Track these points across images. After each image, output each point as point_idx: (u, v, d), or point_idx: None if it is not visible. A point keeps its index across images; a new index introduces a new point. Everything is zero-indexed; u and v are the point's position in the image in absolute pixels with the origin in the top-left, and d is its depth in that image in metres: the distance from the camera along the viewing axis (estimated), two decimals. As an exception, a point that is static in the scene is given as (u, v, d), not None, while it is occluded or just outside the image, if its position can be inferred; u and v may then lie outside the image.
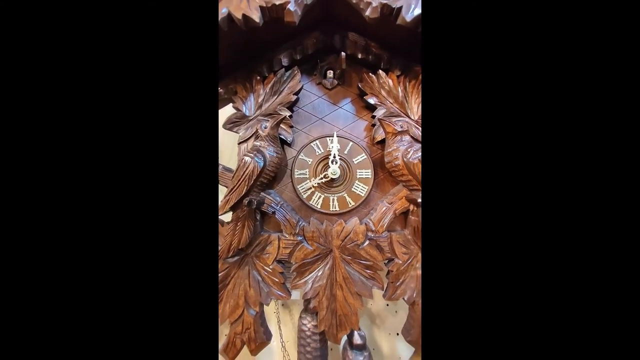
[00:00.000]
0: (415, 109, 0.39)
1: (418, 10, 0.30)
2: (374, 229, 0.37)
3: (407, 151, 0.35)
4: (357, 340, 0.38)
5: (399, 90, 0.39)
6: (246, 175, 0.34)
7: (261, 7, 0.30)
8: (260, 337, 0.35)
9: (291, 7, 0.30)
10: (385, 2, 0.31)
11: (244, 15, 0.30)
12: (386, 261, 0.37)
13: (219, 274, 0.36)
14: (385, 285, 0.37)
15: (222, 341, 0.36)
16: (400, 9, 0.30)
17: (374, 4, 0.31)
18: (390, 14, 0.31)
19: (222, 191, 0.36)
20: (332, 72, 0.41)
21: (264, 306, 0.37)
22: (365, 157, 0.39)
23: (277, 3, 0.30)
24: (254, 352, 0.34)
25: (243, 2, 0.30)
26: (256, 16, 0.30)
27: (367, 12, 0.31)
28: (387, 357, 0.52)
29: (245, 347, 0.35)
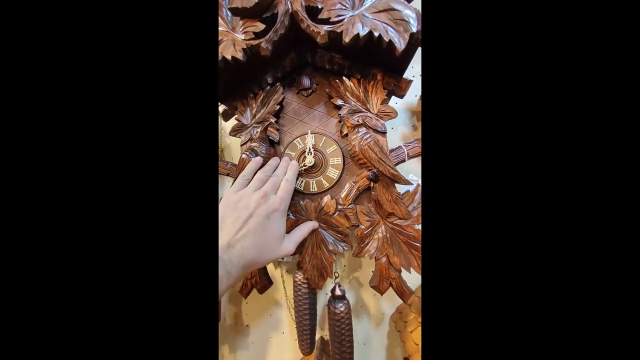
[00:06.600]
0: (375, 103, 0.48)
1: (355, 31, 0.39)
2: (342, 202, 0.47)
3: (361, 139, 0.45)
4: (338, 292, 0.49)
5: (360, 91, 0.48)
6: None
7: (244, 49, 0.43)
8: (263, 282, 0.49)
9: (264, 45, 0.42)
10: (330, 28, 0.41)
11: (232, 57, 0.42)
12: (354, 227, 0.47)
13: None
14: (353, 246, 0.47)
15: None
16: (341, 32, 0.40)
17: (322, 32, 0.41)
18: (335, 36, 0.41)
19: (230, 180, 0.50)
20: (308, 80, 0.52)
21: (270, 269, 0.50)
22: (336, 147, 0.50)
23: (254, 43, 0.42)
24: (260, 291, 0.49)
25: (231, 48, 0.42)
26: (240, 56, 0.42)
27: (318, 39, 0.41)
28: (368, 305, 0.64)
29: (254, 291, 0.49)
